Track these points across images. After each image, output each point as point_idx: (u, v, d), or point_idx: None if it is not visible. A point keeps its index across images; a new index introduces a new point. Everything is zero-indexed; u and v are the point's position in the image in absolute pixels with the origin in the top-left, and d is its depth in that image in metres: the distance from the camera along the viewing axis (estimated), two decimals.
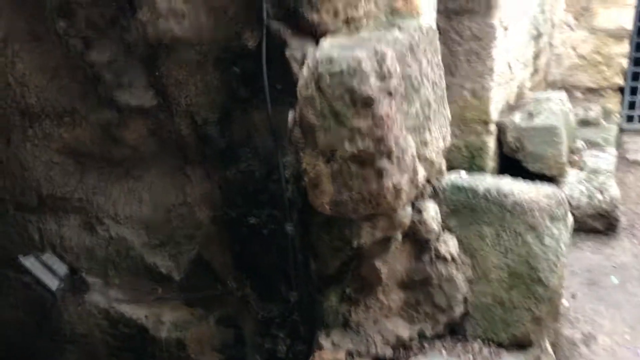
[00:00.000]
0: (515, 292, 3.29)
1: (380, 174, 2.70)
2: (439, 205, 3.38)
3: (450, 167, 3.59)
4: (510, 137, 5.99)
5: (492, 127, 6.02)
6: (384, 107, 2.62)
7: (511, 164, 6.05)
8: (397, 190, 2.78)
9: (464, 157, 6.22)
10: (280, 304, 3.57)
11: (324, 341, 3.37)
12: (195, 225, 3.70)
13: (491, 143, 6.04)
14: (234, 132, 3.37)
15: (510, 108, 6.31)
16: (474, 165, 6.17)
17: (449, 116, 3.50)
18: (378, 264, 3.27)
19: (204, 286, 3.80)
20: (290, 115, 2.87)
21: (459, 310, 3.41)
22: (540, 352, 3.42)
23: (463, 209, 3.37)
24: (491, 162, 6.10)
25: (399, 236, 3.21)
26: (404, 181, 2.80)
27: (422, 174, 3.05)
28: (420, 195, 3.24)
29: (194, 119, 3.44)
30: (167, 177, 3.76)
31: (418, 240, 3.33)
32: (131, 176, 3.86)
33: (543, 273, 3.23)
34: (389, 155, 2.69)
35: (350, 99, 2.60)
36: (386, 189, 2.73)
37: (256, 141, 3.34)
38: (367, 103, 2.59)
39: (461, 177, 3.47)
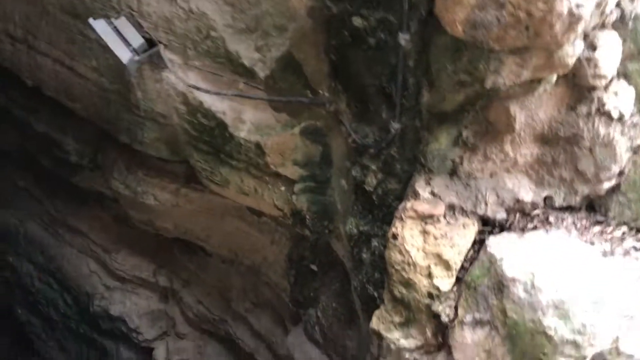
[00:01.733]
0: None
1: None
2: (623, 41, 2.34)
3: None
4: None
5: None
6: None
7: None
8: (573, 18, 1.81)
9: None
10: (378, 132, 2.87)
11: (422, 189, 2.70)
12: (288, 15, 2.91)
13: None
14: None
15: None
16: None
17: None
18: (514, 108, 2.41)
19: (291, 90, 3.14)
20: None
21: (608, 184, 2.56)
22: None
23: None
24: None
25: (553, 78, 2.29)
26: (588, 5, 1.81)
27: None
28: (600, 25, 2.21)
29: None
30: None
31: (578, 86, 2.39)
32: None
33: None
34: None
35: None
36: (557, 14, 1.77)
37: None
38: None
39: None
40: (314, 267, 4.08)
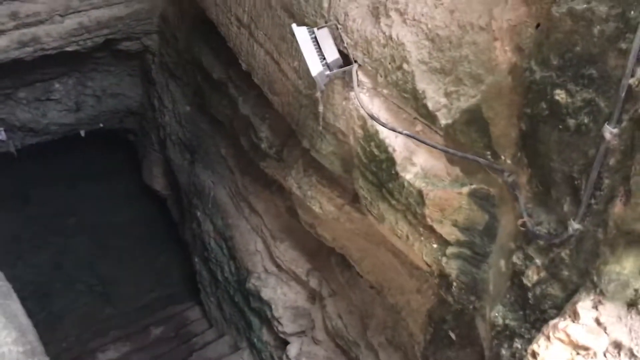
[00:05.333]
0: None
1: None
2: None
3: None
4: None
5: None
6: None
7: None
8: None
9: None
10: (554, 224, 2.41)
11: (585, 312, 2.18)
12: (488, 66, 2.56)
13: None
14: None
15: None
16: None
17: None
18: None
19: (471, 147, 2.78)
20: None
21: None
22: None
23: None
24: None
25: None
26: None
27: None
28: None
29: None
30: None
31: None
32: None
33: None
34: None
35: None
36: None
37: None
38: None
39: None
40: (452, 335, 3.67)
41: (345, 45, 3.34)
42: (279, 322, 6.39)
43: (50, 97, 9.23)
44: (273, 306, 6.38)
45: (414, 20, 2.86)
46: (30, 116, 9.37)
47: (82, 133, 10.50)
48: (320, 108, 3.58)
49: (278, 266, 6.40)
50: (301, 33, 3.27)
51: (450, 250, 3.03)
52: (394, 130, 3.05)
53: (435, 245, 3.12)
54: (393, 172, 3.21)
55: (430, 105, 2.86)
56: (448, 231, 3.00)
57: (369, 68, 3.24)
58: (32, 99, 9.09)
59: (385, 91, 3.20)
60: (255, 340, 7.39)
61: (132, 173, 11.67)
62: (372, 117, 3.12)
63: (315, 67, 3.26)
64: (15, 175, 11.58)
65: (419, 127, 3.01)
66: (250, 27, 4.68)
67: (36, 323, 10.82)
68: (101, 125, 10.48)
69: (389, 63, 3.07)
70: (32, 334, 6.26)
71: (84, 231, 12.25)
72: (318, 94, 3.50)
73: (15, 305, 6.27)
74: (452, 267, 3.06)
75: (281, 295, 6.38)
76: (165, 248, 11.72)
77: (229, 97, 6.09)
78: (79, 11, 6.75)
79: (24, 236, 12.03)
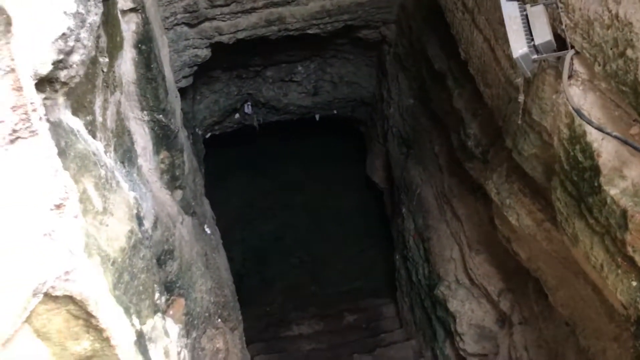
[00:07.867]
0: None
1: None
2: None
3: None
4: None
5: None
6: None
7: None
8: None
9: None
10: None
11: None
12: None
13: None
14: None
15: None
16: None
17: None
18: None
19: None
20: None
21: None
22: None
23: None
24: None
25: None
26: None
27: None
28: None
29: None
30: None
31: None
32: None
33: None
34: None
35: None
36: None
37: None
38: None
39: None
40: None
41: (564, 27, 2.80)
42: (461, 339, 5.91)
43: (292, 79, 9.85)
44: (457, 320, 5.91)
45: None
46: (273, 94, 10.12)
47: (317, 117, 11.05)
48: (521, 98, 3.09)
49: (470, 279, 5.89)
50: (510, 7, 2.83)
51: None
52: (600, 130, 2.46)
53: (634, 283, 2.46)
54: (596, 184, 2.60)
55: None
56: None
57: (587, 55, 2.67)
58: (276, 78, 9.79)
59: (602, 84, 2.60)
60: (438, 352, 6.98)
61: (358, 163, 11.97)
62: (577, 112, 2.56)
63: (519, 47, 2.79)
64: (256, 149, 12.71)
65: (634, 131, 2.38)
66: (474, 12, 4.29)
67: (250, 284, 11.78)
68: (335, 112, 10.90)
69: (611, 48, 2.47)
70: (229, 289, 6.70)
71: (307, 210, 13.01)
72: (519, 80, 3.01)
73: (220, 260, 6.77)
74: None
75: (468, 311, 5.88)
76: (376, 241, 11.84)
77: (447, 90, 5.75)
78: None
79: (257, 205, 13.20)
